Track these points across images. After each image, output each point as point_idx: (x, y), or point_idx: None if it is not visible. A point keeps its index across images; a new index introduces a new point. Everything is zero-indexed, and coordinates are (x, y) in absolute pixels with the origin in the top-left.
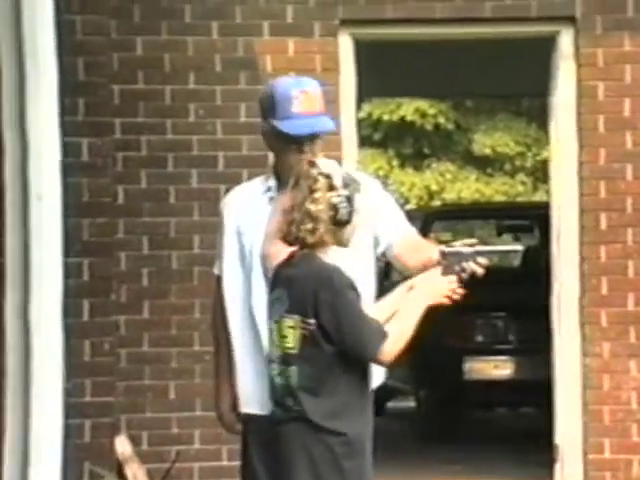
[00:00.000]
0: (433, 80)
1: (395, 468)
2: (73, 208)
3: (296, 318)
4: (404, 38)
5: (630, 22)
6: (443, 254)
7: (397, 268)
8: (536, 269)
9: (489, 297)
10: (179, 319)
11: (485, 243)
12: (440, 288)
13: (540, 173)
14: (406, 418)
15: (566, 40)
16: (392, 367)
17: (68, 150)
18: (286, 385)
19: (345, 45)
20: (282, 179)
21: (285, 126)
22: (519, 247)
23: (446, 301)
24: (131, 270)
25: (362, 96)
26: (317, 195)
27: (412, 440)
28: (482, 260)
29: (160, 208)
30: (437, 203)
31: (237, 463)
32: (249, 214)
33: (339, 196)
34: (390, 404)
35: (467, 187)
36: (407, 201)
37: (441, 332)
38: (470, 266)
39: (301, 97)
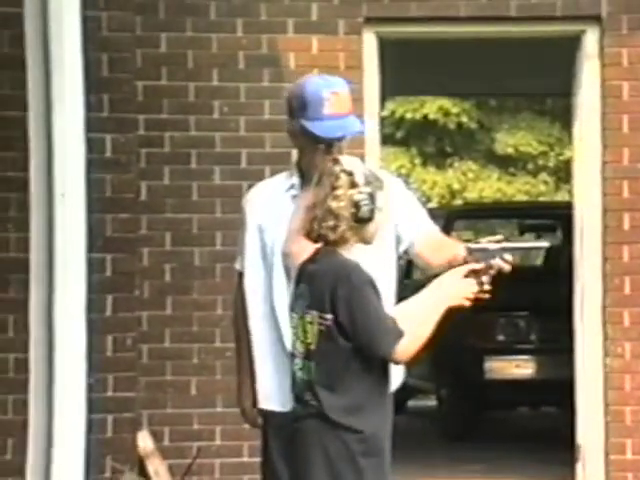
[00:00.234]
0: (456, 79)
1: (415, 467)
2: (96, 204)
3: (314, 314)
4: (428, 36)
5: None
6: (469, 251)
7: (420, 266)
8: (558, 269)
9: (511, 296)
10: (201, 315)
11: (509, 241)
12: (460, 290)
13: (563, 173)
14: (427, 417)
15: (591, 39)
16: (410, 366)
17: (92, 146)
18: (307, 380)
19: (369, 43)
20: (306, 177)
21: (316, 128)
22: (545, 244)
23: (466, 303)
24: (154, 266)
25: (385, 94)
26: (339, 192)
27: (433, 439)
28: (508, 257)
29: (183, 204)
30: (459, 202)
31: (258, 459)
32: (272, 211)
33: (361, 193)
34: (411, 403)
35: (489, 186)
36: (429, 200)
37: (462, 331)
38: (497, 263)
39: (332, 99)
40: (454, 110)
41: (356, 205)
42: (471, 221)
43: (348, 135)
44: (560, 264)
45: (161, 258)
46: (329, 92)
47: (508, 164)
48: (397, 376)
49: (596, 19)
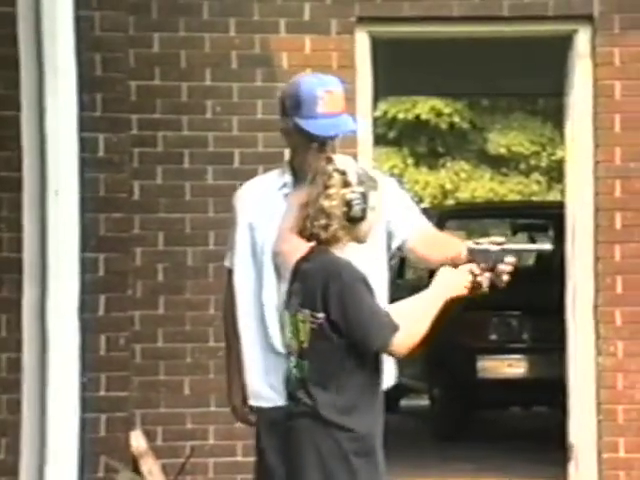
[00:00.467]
0: (449, 78)
1: (408, 466)
2: (90, 203)
3: (306, 312)
4: (421, 36)
5: None
6: (471, 251)
7: (414, 262)
8: (550, 268)
9: (503, 296)
10: (194, 315)
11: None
12: (457, 281)
13: (555, 173)
14: (419, 416)
15: (583, 39)
16: (406, 362)
17: (85, 146)
18: (301, 378)
19: (362, 43)
20: (299, 175)
21: (310, 126)
22: (548, 246)
23: (465, 292)
24: (146, 266)
25: (378, 94)
26: (331, 191)
27: (425, 438)
28: (510, 259)
29: (176, 204)
30: (451, 202)
31: (252, 459)
32: (263, 209)
33: (353, 192)
34: (404, 402)
35: (481, 186)
36: (421, 200)
37: (455, 331)
38: (500, 268)
39: (326, 97)
40: (446, 110)
41: (348, 204)
42: (463, 221)
43: (342, 134)
44: (552, 263)
45: (154, 258)
46: (323, 91)
47: (500, 164)
48: (389, 375)
49: (588, 19)
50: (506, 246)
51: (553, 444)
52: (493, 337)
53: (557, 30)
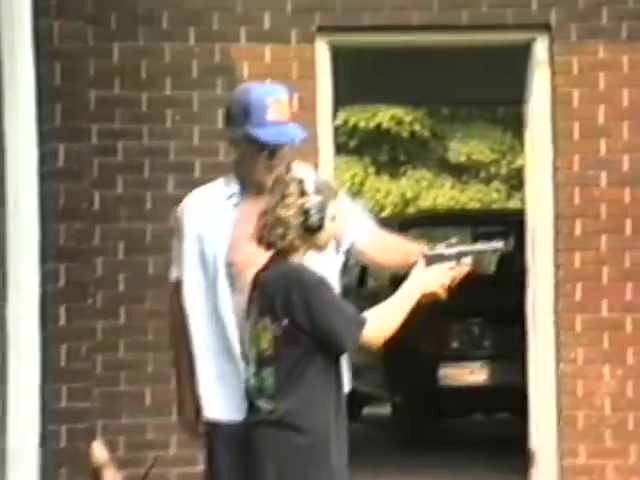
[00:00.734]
0: (409, 87)
1: (370, 474)
2: (49, 214)
3: (267, 320)
4: (381, 45)
5: (604, 30)
6: (426, 257)
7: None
8: (511, 275)
9: (464, 303)
10: (155, 325)
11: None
12: (435, 277)
13: (515, 181)
14: (381, 424)
15: (541, 47)
16: (368, 370)
17: (45, 156)
18: (259, 387)
19: (322, 52)
20: (246, 185)
21: (261, 134)
22: (500, 245)
23: (441, 291)
24: (107, 276)
25: (338, 103)
26: (288, 200)
27: (387, 446)
28: (466, 260)
29: (136, 214)
30: (412, 210)
31: None
32: (211, 219)
33: (310, 202)
34: (366, 410)
35: (442, 194)
36: (382, 208)
37: (416, 338)
38: (459, 270)
39: (275, 105)
40: (407, 119)
41: (305, 213)
42: (425, 229)
43: (293, 141)
44: (513, 271)
45: (115, 268)
46: (272, 99)
47: (461, 172)
48: (345, 383)
49: (546, 27)
50: (460, 248)
51: (514, 450)
52: (454, 345)
53: (515, 39)
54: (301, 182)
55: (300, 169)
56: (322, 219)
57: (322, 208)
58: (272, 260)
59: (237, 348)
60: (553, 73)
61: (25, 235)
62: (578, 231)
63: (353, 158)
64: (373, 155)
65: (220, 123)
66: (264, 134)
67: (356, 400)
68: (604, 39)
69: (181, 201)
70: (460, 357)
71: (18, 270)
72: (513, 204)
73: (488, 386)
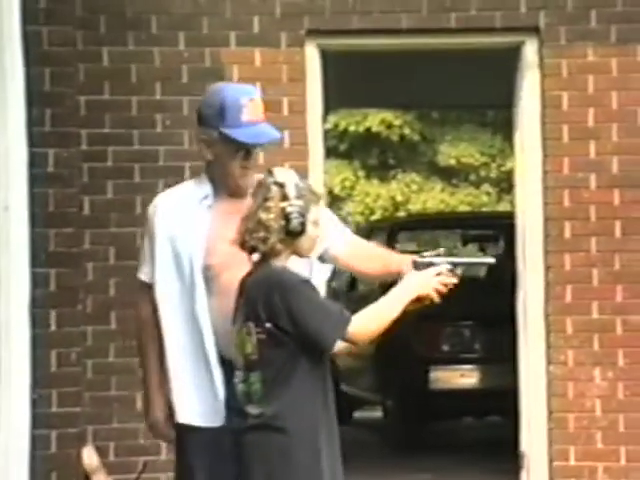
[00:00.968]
0: (399, 91)
1: (362, 477)
2: (39, 219)
3: (250, 325)
4: (370, 49)
5: (593, 33)
6: (416, 264)
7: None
8: (501, 278)
9: (455, 306)
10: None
11: (451, 254)
12: (428, 280)
13: (504, 184)
14: (373, 428)
15: (530, 50)
16: (359, 373)
17: (35, 161)
18: (247, 392)
19: (311, 55)
20: (219, 186)
21: (238, 134)
22: (491, 260)
23: (433, 294)
24: (98, 280)
25: (328, 107)
26: (269, 204)
27: (379, 449)
28: (456, 271)
29: (126, 219)
30: (402, 214)
31: None
32: (185, 221)
33: (292, 206)
34: (357, 414)
35: (432, 198)
36: (372, 212)
37: (407, 341)
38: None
39: (250, 105)
40: (397, 122)
41: (286, 218)
42: (415, 232)
43: (270, 142)
44: (503, 273)
45: (105, 272)
46: (247, 99)
47: (451, 176)
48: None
49: (535, 30)
50: (451, 259)
51: (505, 453)
52: (445, 348)
53: (504, 42)
54: (283, 186)
55: (282, 173)
56: (303, 223)
57: (304, 212)
58: (257, 265)
59: (212, 352)
60: (542, 76)
61: (15, 240)
62: (568, 233)
63: (343, 162)
64: (363, 159)
65: None
66: (241, 134)
67: (347, 403)
68: (593, 42)
69: None
70: (451, 360)
71: (8, 275)
72: (503, 207)
73: (479, 389)
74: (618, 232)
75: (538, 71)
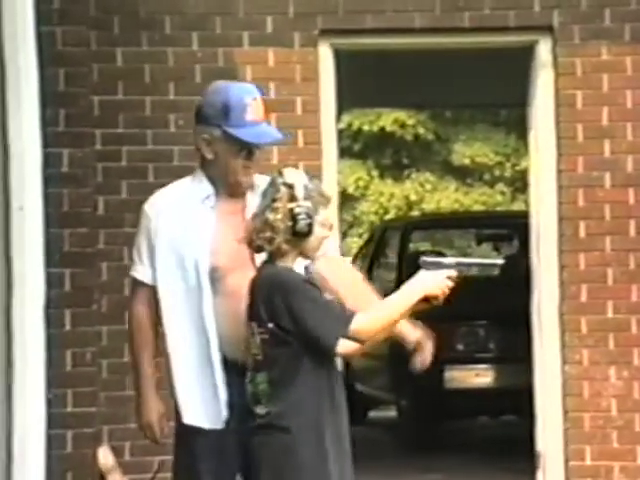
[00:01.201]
0: (412, 90)
1: (377, 477)
2: (54, 219)
3: (254, 325)
4: (383, 48)
5: (607, 31)
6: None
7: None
8: (516, 277)
9: (470, 306)
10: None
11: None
12: (438, 281)
13: (519, 183)
14: (387, 427)
15: (544, 49)
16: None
17: (49, 161)
18: (254, 393)
19: (325, 55)
20: (219, 185)
21: (243, 134)
22: (500, 261)
23: (440, 294)
24: (112, 280)
25: (342, 107)
26: (277, 204)
27: (393, 449)
28: (462, 271)
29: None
30: (416, 213)
31: None
32: (188, 221)
33: (299, 207)
34: (371, 413)
35: (446, 197)
36: (386, 212)
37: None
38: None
39: (253, 105)
40: (410, 122)
41: (294, 218)
42: (429, 232)
43: (273, 142)
44: (518, 273)
45: (119, 272)
46: (250, 98)
47: (465, 175)
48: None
49: (548, 29)
50: (460, 260)
51: (521, 453)
52: (460, 347)
53: (518, 41)
54: (291, 187)
55: (292, 174)
56: (310, 225)
57: (311, 214)
58: (262, 266)
59: (216, 354)
60: (556, 75)
61: (29, 240)
62: (582, 233)
63: (357, 162)
64: (377, 158)
65: None
66: (246, 134)
67: (362, 403)
68: (607, 41)
69: None
70: (466, 360)
71: (23, 275)
72: (517, 206)
73: (494, 388)
74: (633, 231)
75: (552, 70)
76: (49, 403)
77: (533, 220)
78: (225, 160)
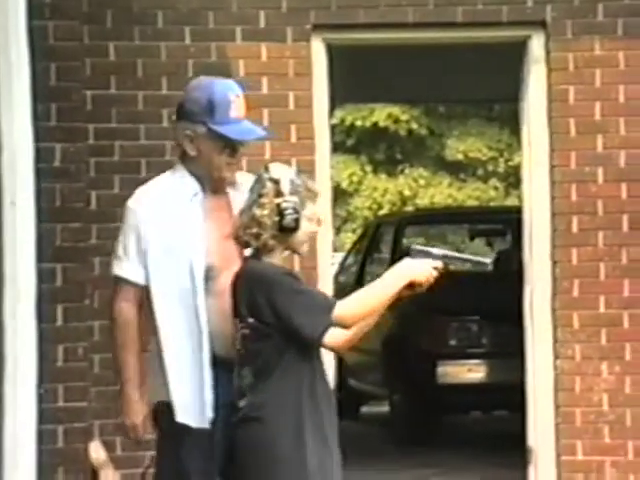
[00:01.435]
0: (405, 85)
1: (369, 472)
2: (46, 213)
3: (236, 320)
4: (376, 43)
5: (600, 26)
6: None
7: None
8: (509, 272)
9: (462, 301)
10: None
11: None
12: (424, 267)
13: (512, 178)
14: (380, 423)
15: (537, 44)
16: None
17: (41, 155)
18: (240, 387)
19: (318, 50)
20: (203, 182)
21: (228, 131)
22: (488, 260)
23: (424, 281)
24: (105, 275)
25: (335, 102)
26: (263, 200)
27: (386, 444)
28: (448, 263)
29: None
30: (410, 209)
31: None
32: (177, 218)
33: (286, 202)
34: (364, 409)
35: (440, 192)
36: (380, 207)
37: (415, 336)
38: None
39: (237, 101)
40: (404, 117)
41: (280, 214)
42: (422, 227)
43: (257, 139)
44: (511, 268)
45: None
46: (234, 95)
47: (458, 170)
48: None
49: (541, 24)
50: (448, 253)
51: (513, 447)
52: (453, 342)
53: (511, 36)
54: (277, 182)
55: (278, 169)
56: (297, 220)
57: (298, 209)
58: (244, 262)
59: (208, 354)
60: (549, 70)
61: (22, 235)
62: (575, 228)
63: (350, 157)
64: (370, 154)
65: None
66: (231, 131)
67: (354, 398)
68: (600, 36)
69: None
70: (458, 355)
71: (15, 270)
72: (511, 202)
73: (486, 383)
74: (625, 226)
75: (545, 65)
76: (40, 398)
77: (526, 215)
78: (209, 157)
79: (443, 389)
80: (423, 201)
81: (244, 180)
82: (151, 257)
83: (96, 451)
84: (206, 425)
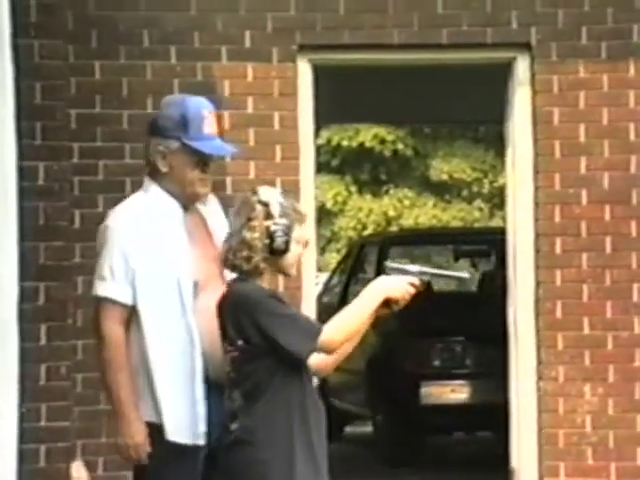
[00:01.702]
0: (391, 106)
1: None
2: (29, 232)
3: (224, 344)
4: (362, 64)
5: (584, 49)
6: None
7: None
8: (493, 293)
9: (446, 322)
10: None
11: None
12: (399, 284)
13: (497, 199)
14: (363, 443)
15: (522, 66)
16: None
17: (25, 174)
18: (231, 409)
19: (303, 70)
20: (177, 198)
21: (203, 146)
22: (466, 274)
23: (400, 298)
24: (88, 294)
25: (320, 122)
26: (253, 223)
27: (369, 465)
28: (425, 279)
29: None
30: (394, 229)
31: None
32: (162, 236)
33: (276, 224)
34: (347, 429)
35: (424, 213)
36: (365, 227)
37: (398, 357)
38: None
39: (210, 118)
40: (389, 138)
41: (270, 236)
42: (407, 248)
43: (229, 154)
44: (495, 289)
45: None
46: (207, 111)
47: (443, 191)
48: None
49: (526, 46)
50: (424, 269)
51: (496, 469)
52: (436, 363)
53: (496, 58)
54: (267, 205)
55: (267, 192)
56: (287, 242)
57: (287, 231)
58: (231, 284)
59: (200, 371)
60: (534, 92)
61: (4, 253)
62: (559, 249)
63: (335, 177)
64: (355, 174)
65: None
66: (205, 147)
67: (338, 418)
68: (584, 58)
69: None
70: (442, 375)
71: None
72: (495, 223)
73: (470, 404)
74: (609, 248)
75: (529, 87)
76: (22, 417)
77: (509, 236)
78: (181, 172)
79: (427, 410)
80: (408, 221)
81: (212, 197)
82: (139, 276)
83: (78, 471)
84: (200, 441)
